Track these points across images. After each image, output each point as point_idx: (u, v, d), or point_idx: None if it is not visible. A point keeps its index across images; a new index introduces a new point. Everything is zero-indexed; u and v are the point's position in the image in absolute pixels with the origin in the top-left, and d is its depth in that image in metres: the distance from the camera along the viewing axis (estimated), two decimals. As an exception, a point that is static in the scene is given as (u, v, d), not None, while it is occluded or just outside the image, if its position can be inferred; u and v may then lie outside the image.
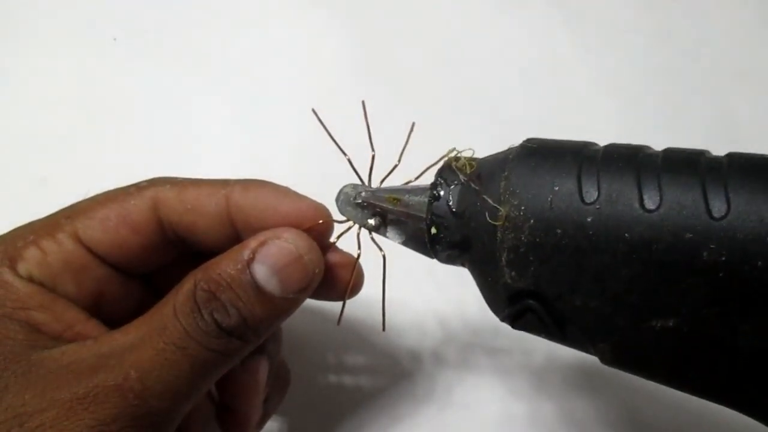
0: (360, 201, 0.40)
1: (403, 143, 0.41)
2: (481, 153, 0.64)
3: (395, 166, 0.41)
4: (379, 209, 0.40)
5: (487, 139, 0.64)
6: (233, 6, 0.72)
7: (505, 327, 0.55)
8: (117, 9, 0.70)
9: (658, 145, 0.64)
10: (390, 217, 0.40)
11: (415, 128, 0.42)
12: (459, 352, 0.55)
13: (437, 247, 0.38)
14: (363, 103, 0.41)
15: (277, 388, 0.47)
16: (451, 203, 0.36)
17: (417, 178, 0.41)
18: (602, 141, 0.64)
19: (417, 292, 0.57)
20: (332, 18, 0.72)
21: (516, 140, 0.64)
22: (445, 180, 0.37)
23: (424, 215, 0.37)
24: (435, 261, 0.57)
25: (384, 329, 0.42)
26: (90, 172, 0.61)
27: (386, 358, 0.55)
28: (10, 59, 0.68)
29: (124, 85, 0.67)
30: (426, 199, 0.37)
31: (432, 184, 0.37)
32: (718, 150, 0.64)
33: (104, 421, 0.31)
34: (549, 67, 0.71)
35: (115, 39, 0.69)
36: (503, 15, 0.73)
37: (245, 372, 0.41)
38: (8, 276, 0.36)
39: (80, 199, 0.40)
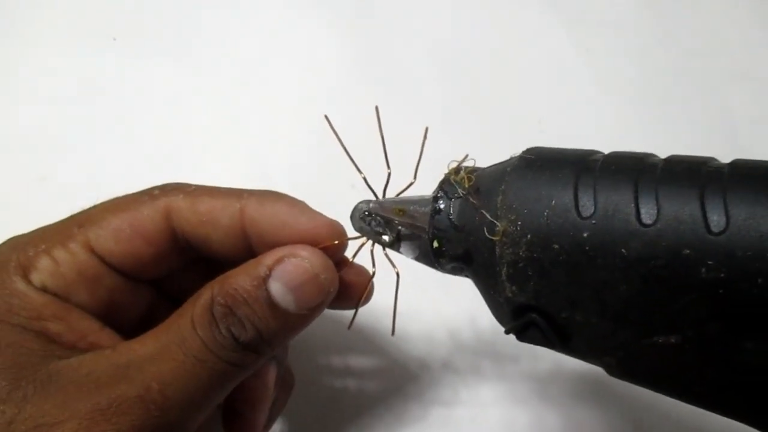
0: (366, 212, 0.40)
1: (418, 155, 0.41)
2: (481, 153, 0.64)
3: (410, 183, 0.41)
4: (385, 219, 0.40)
5: (487, 138, 0.65)
6: (234, 7, 0.72)
7: (513, 336, 0.55)
8: (117, 9, 0.70)
9: (658, 145, 0.64)
10: (403, 232, 0.40)
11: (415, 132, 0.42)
12: (467, 358, 0.55)
13: (441, 260, 0.38)
14: (377, 108, 0.41)
15: (282, 391, 0.47)
16: (452, 217, 0.36)
17: (408, 186, 0.41)
18: (601, 140, 0.65)
19: (428, 301, 0.57)
20: (335, 21, 0.72)
21: (515, 139, 0.64)
22: (446, 193, 0.37)
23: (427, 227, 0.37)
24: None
25: (393, 333, 0.42)
26: (89, 171, 0.61)
27: (394, 362, 0.55)
28: (10, 59, 0.67)
29: (123, 85, 0.67)
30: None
31: (433, 197, 0.37)
32: (718, 150, 0.64)
33: None
34: (549, 67, 0.71)
35: (115, 39, 0.69)
36: (504, 16, 0.73)
37: (255, 378, 0.41)
38: (22, 286, 0.36)
39: (82, 199, 0.40)
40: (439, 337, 0.56)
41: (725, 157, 0.63)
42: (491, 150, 0.64)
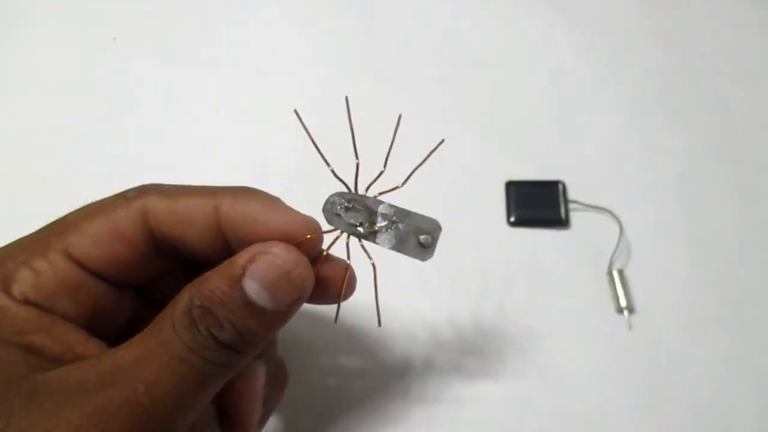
0: (339, 206, 0.40)
1: (390, 139, 0.40)
2: (481, 153, 0.64)
3: (381, 172, 0.41)
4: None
5: (487, 138, 0.65)
6: (234, 6, 0.72)
7: (496, 333, 0.56)
8: (117, 9, 0.70)
9: (658, 145, 0.65)
10: (380, 224, 0.40)
11: (414, 137, 0.42)
12: (451, 357, 0.56)
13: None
14: (346, 99, 0.40)
15: (276, 387, 0.47)
16: None
17: (404, 182, 0.40)
18: (601, 140, 0.65)
19: (408, 300, 0.57)
20: (336, 20, 0.72)
21: (515, 139, 0.64)
22: None
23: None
24: (426, 270, 0.58)
25: (380, 324, 0.42)
26: (89, 171, 0.62)
27: (379, 360, 0.55)
28: (11, 59, 0.68)
29: (123, 85, 0.67)
30: None
31: None
32: (718, 150, 0.64)
33: None
34: (549, 67, 0.71)
35: (114, 39, 0.69)
36: (503, 16, 0.73)
37: (242, 377, 0.41)
38: (3, 300, 0.35)
39: (82, 199, 0.40)
40: (423, 336, 0.57)
41: (725, 157, 0.63)
42: (491, 149, 0.65)
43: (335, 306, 0.42)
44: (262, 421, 0.45)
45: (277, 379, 0.47)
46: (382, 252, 0.41)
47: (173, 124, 0.65)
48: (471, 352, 0.56)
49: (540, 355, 0.55)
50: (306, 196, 0.41)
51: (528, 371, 0.55)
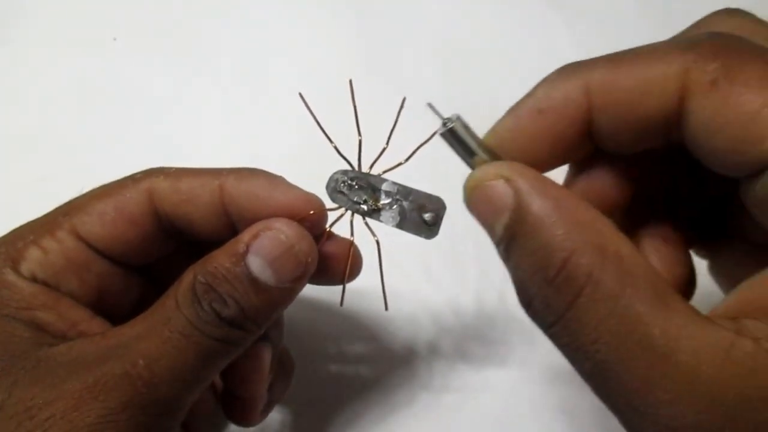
0: (343, 182, 0.40)
1: (393, 121, 0.41)
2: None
3: (383, 149, 0.41)
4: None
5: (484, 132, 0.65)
6: (233, 5, 0.72)
7: (499, 318, 0.56)
8: (117, 9, 0.70)
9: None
10: (384, 202, 0.40)
11: (415, 127, 0.42)
12: (454, 342, 0.56)
13: None
14: (350, 81, 0.40)
15: (282, 375, 0.47)
16: None
17: (407, 159, 0.40)
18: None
19: (412, 286, 0.57)
20: (335, 18, 0.72)
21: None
22: None
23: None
24: (430, 255, 0.57)
25: (386, 308, 0.42)
26: (88, 171, 0.61)
27: (384, 346, 0.55)
28: (11, 59, 0.68)
29: (123, 84, 0.67)
30: None
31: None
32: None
33: (114, 410, 0.32)
34: (549, 67, 0.71)
35: (115, 39, 0.69)
36: (504, 15, 0.73)
37: (249, 358, 0.41)
38: (11, 276, 0.36)
39: (76, 196, 0.41)
40: (430, 323, 0.57)
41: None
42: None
43: (340, 291, 0.42)
44: (267, 408, 0.46)
45: (283, 367, 0.47)
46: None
47: (174, 124, 0.65)
48: (478, 342, 0.56)
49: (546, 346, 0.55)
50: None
51: (535, 357, 0.55)
